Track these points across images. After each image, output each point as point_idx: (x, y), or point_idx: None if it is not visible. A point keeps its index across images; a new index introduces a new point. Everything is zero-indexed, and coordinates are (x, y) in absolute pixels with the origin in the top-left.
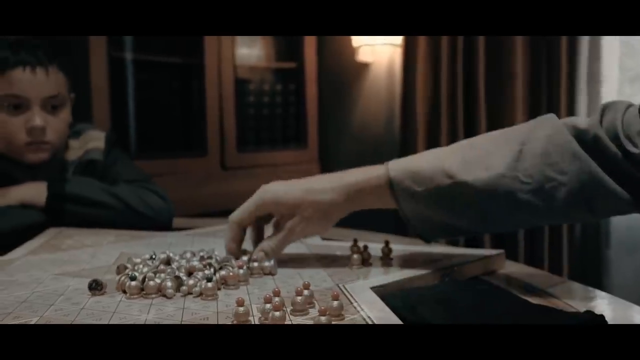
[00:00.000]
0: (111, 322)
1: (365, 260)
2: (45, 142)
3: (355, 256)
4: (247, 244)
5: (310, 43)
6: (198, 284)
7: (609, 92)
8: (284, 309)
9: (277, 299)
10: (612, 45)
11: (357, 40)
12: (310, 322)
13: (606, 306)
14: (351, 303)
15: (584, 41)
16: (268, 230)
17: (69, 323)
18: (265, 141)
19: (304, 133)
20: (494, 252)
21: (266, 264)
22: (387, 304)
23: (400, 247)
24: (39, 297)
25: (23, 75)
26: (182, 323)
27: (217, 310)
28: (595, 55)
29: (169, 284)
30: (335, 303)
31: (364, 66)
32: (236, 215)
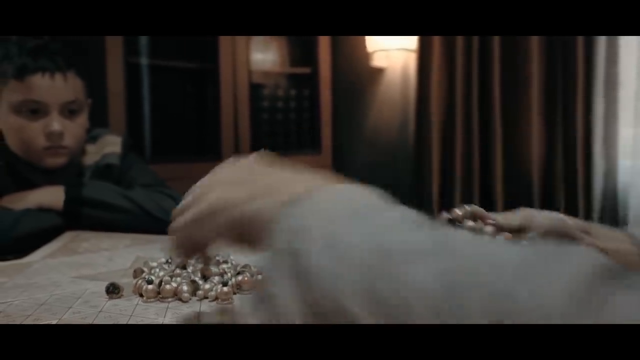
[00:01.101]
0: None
1: None
2: (63, 147)
3: None
4: None
5: (324, 48)
6: (214, 288)
7: (627, 96)
8: None
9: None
10: (629, 50)
11: (371, 45)
12: None
13: None
14: None
15: (601, 45)
16: None
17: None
18: (280, 146)
19: (318, 138)
20: None
21: None
22: None
23: None
24: (58, 299)
25: (42, 81)
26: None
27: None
28: (612, 59)
29: (185, 287)
30: None
31: (379, 71)
32: None
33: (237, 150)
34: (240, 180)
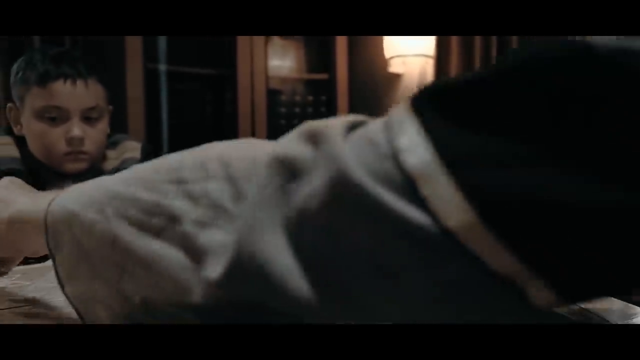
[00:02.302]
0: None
1: None
2: (83, 152)
3: None
4: None
5: (341, 54)
6: None
7: None
8: None
9: None
10: None
11: (388, 51)
12: None
13: None
14: None
15: None
16: None
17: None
18: None
19: None
20: None
21: None
22: None
23: None
24: None
25: (64, 88)
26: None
27: None
28: None
29: None
30: None
31: (396, 77)
32: None
33: None
34: None
